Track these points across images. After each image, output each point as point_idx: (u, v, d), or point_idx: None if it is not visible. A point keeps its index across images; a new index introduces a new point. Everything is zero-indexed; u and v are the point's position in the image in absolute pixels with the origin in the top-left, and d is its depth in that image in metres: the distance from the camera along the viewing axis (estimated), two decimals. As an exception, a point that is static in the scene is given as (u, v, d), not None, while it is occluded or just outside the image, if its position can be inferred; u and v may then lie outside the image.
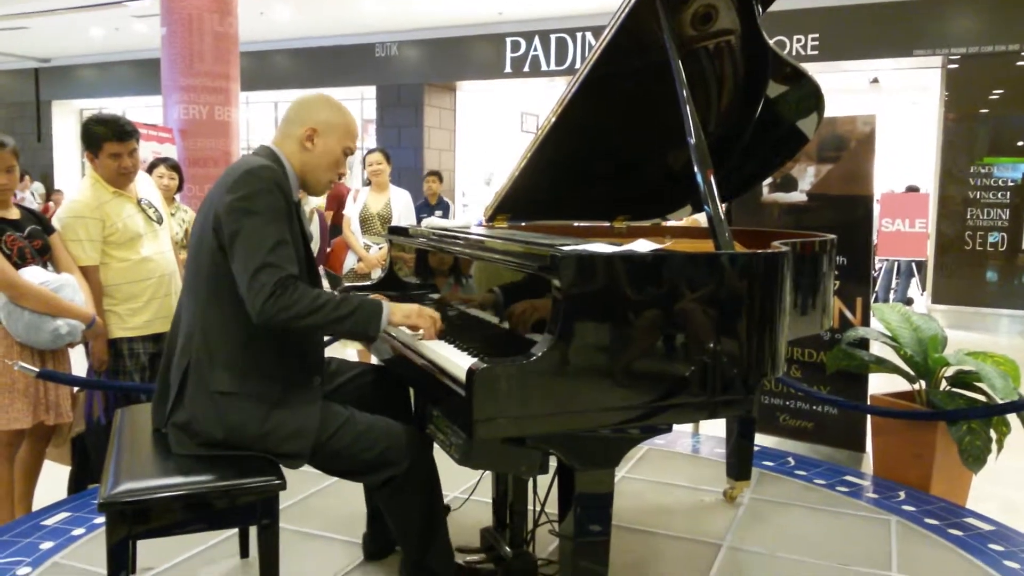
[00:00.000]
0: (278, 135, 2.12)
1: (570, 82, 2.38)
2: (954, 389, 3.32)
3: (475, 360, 1.66)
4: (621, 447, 1.82)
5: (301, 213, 2.13)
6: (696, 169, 2.11)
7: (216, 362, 1.95)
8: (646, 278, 1.76)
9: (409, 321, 2.04)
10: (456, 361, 1.80)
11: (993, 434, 3.05)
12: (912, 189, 9.93)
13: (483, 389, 1.59)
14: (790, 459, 3.64)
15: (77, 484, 3.15)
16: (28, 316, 2.70)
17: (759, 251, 1.93)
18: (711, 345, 1.82)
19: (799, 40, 9.86)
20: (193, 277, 2.04)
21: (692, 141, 2.13)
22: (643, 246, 1.90)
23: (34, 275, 2.72)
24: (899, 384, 3.51)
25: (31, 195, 11.82)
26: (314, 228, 4.90)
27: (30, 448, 2.93)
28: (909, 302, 9.54)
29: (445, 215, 7.30)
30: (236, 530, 2.57)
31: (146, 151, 5.75)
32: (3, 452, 2.80)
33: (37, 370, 2.73)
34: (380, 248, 5.07)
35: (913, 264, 9.81)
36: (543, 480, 2.30)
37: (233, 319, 1.94)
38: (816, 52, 9.76)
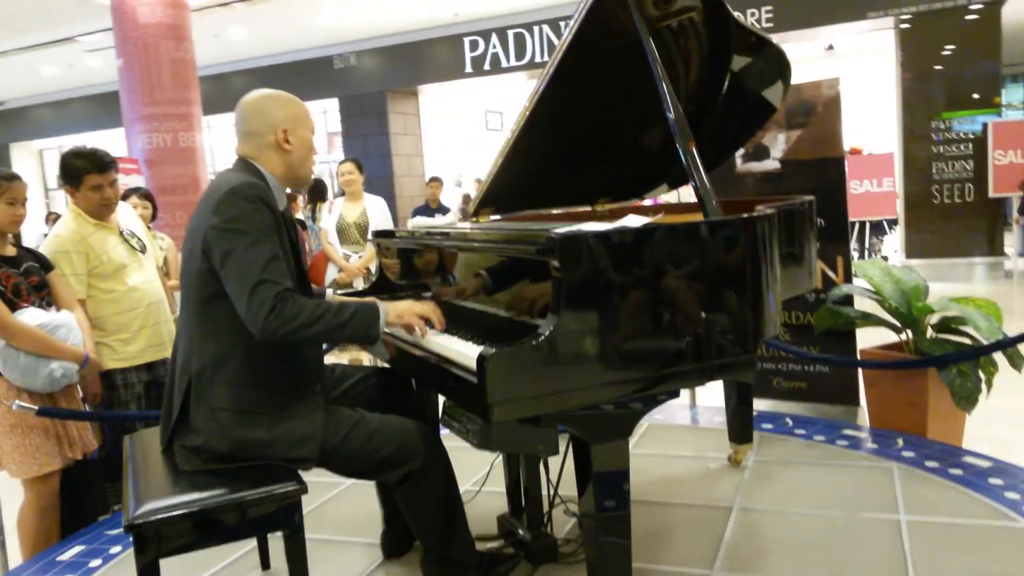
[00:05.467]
0: (248, 149, 2.09)
1: (543, 72, 2.42)
2: (940, 335, 3.40)
3: (483, 347, 1.69)
4: (634, 417, 1.87)
5: (290, 223, 2.14)
6: (677, 143, 2.15)
7: (216, 380, 1.96)
8: (642, 250, 1.80)
9: (402, 321, 2.05)
10: (463, 351, 1.83)
11: (982, 374, 3.14)
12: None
13: (496, 373, 1.62)
14: (788, 420, 3.72)
15: (69, 525, 2.99)
16: (24, 360, 2.68)
17: (747, 215, 1.98)
18: (710, 310, 1.86)
19: (753, 13, 9.99)
20: (186, 299, 2.05)
21: (671, 116, 2.17)
22: (634, 221, 1.95)
23: (33, 317, 2.70)
24: (887, 336, 3.60)
25: None
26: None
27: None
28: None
29: None
30: (255, 543, 2.58)
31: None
32: (37, 501, 2.78)
33: (36, 408, 2.72)
34: (360, 257, 5.10)
35: (884, 222, 9.97)
36: (554, 463, 2.35)
37: (228, 338, 1.95)
38: (771, 24, 9.90)
